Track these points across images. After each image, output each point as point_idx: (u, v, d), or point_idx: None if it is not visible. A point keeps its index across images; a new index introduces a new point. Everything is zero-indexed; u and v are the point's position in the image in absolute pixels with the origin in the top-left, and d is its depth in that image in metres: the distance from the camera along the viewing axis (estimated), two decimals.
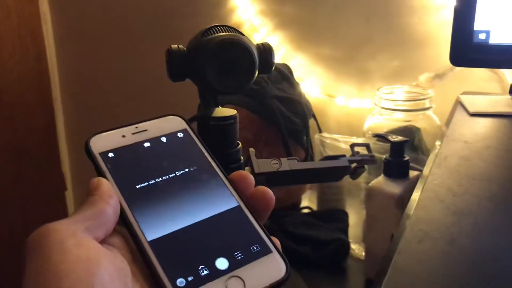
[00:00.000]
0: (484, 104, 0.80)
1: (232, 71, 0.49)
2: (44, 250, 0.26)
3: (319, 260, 0.77)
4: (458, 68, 0.95)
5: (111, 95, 1.39)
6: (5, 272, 1.34)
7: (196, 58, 0.49)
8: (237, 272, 0.29)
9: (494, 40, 0.71)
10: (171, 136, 0.35)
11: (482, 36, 0.71)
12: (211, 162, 0.34)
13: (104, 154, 0.32)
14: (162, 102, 1.29)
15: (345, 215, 0.86)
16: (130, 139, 0.34)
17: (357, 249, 0.80)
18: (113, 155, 0.32)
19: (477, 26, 0.71)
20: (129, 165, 0.32)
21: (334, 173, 0.61)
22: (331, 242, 0.77)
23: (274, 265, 0.29)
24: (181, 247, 0.29)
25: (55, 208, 1.48)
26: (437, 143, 0.67)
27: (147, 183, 0.32)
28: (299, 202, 0.94)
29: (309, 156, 0.88)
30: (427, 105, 0.84)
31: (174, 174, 0.33)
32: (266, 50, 0.52)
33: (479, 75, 0.97)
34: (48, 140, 1.45)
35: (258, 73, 0.52)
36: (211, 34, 0.49)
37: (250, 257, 0.29)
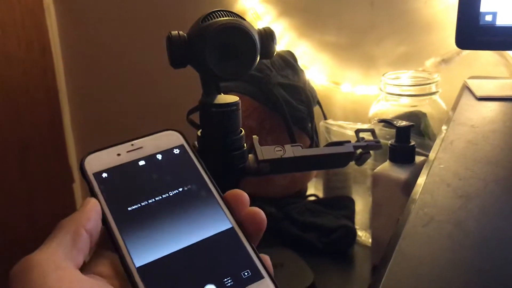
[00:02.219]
0: (491, 88, 0.79)
1: (233, 56, 0.49)
2: (26, 287, 0.26)
3: (325, 247, 0.76)
4: (464, 53, 0.94)
5: (116, 87, 1.39)
6: (12, 267, 1.35)
7: (196, 44, 0.48)
8: None
9: (501, 21, 0.70)
10: (167, 153, 0.34)
11: (488, 18, 0.69)
12: (206, 180, 0.33)
13: (98, 175, 0.32)
14: (168, 92, 1.29)
15: (351, 202, 0.85)
16: (125, 158, 0.33)
17: (363, 236, 0.80)
18: (106, 176, 0.32)
19: (483, 8, 0.70)
20: (122, 186, 0.32)
21: (339, 159, 0.60)
22: (337, 229, 0.77)
23: None
24: (170, 273, 0.29)
25: (63, 201, 1.49)
26: (444, 127, 0.67)
27: (139, 205, 0.31)
28: (305, 189, 0.94)
29: (314, 144, 0.87)
30: (433, 90, 0.83)
31: (167, 195, 0.32)
32: (267, 35, 0.51)
33: (486, 59, 0.95)
34: (54, 133, 1.46)
35: (260, 59, 0.51)
36: (211, 19, 0.48)
37: (240, 284, 0.29)
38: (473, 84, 0.81)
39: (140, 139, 0.34)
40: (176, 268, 0.29)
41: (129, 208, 0.31)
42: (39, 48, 1.38)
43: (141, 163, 0.33)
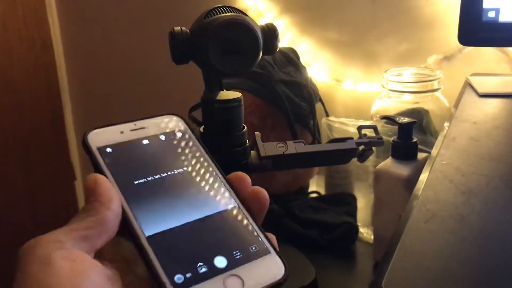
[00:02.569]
0: (493, 84, 0.79)
1: (235, 52, 0.49)
2: (30, 266, 0.26)
3: (327, 243, 0.76)
4: (467, 50, 0.94)
5: (118, 84, 1.39)
6: (15, 264, 1.35)
7: (198, 40, 0.48)
8: (236, 271, 0.28)
9: (504, 18, 0.69)
10: (170, 134, 0.34)
11: (491, 14, 0.69)
12: (210, 162, 0.34)
13: (102, 149, 0.32)
14: (171, 89, 1.29)
15: (354, 199, 0.85)
16: (129, 136, 0.33)
17: (365, 233, 0.80)
18: (111, 151, 0.32)
19: (486, 4, 0.69)
20: (127, 161, 0.32)
21: (341, 155, 0.60)
22: (339, 226, 0.77)
23: (273, 266, 0.29)
24: (180, 243, 0.29)
25: (64, 198, 1.49)
26: (446, 124, 0.67)
27: (145, 179, 0.31)
28: (307, 186, 0.94)
29: (316, 141, 0.87)
30: (436, 86, 0.83)
31: (172, 172, 0.32)
32: (270, 31, 0.52)
33: (488, 56, 0.95)
34: (56, 130, 1.46)
35: (262, 55, 0.51)
36: (214, 15, 0.48)
37: (248, 257, 0.29)
38: (475, 81, 0.81)
39: (143, 120, 0.34)
40: (185, 240, 0.29)
41: (136, 182, 0.31)
42: (40, 45, 1.38)
43: (145, 142, 0.33)
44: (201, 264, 0.28)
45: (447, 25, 0.96)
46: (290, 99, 0.82)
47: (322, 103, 0.95)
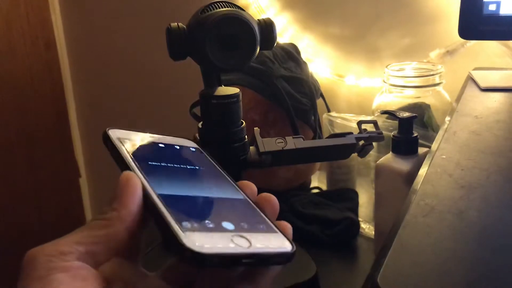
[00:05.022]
0: (496, 79, 0.78)
1: (232, 47, 0.48)
2: (30, 279, 0.25)
3: (328, 239, 0.76)
4: (469, 44, 0.93)
5: (121, 81, 1.39)
6: (20, 261, 1.36)
7: (196, 35, 0.48)
8: (244, 233, 0.27)
9: (504, 11, 0.69)
10: (184, 148, 0.37)
11: (492, 7, 0.69)
12: (220, 169, 0.35)
13: (121, 139, 0.34)
14: (173, 85, 1.29)
15: (355, 194, 0.85)
16: (146, 139, 0.36)
17: (367, 228, 0.80)
18: (129, 143, 0.34)
19: None
20: (144, 152, 0.34)
21: (341, 150, 0.60)
22: (341, 221, 0.77)
23: (280, 240, 0.29)
24: (189, 206, 0.29)
25: (69, 196, 1.50)
26: (447, 118, 0.66)
27: (163, 164, 0.33)
28: (309, 182, 0.93)
29: (317, 136, 0.87)
30: (437, 81, 0.83)
31: (185, 166, 0.34)
32: (267, 26, 0.51)
33: (491, 50, 0.94)
34: (60, 128, 1.46)
35: (260, 49, 0.51)
36: (210, 11, 0.48)
37: (256, 229, 0.29)
38: (477, 75, 0.80)
39: (159, 135, 0.37)
40: (196, 205, 0.30)
41: (153, 163, 0.32)
42: (43, 43, 1.39)
43: (161, 145, 0.36)
44: (209, 222, 0.27)
45: (450, 19, 0.95)
46: (290, 95, 0.82)
47: (323, 99, 0.95)
